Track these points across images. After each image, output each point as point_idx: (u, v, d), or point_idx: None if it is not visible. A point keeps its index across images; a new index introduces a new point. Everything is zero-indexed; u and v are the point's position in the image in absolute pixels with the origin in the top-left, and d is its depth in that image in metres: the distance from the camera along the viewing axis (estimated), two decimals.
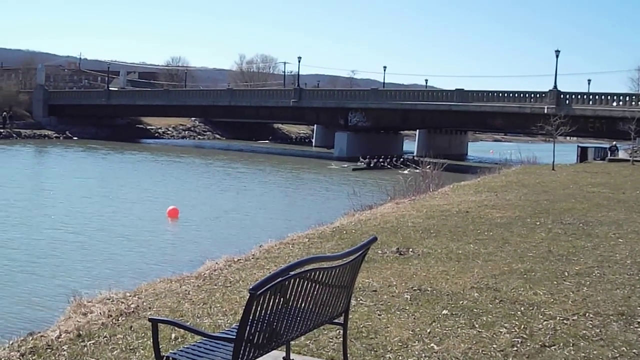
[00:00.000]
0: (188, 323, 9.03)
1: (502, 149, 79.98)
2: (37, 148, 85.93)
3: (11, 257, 24.60)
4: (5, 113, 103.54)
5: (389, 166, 65.73)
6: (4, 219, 32.94)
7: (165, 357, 5.92)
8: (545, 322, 9.27)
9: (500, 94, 73.81)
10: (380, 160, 71.71)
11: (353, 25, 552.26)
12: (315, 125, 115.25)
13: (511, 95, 73.15)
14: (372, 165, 70.65)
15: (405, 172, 47.36)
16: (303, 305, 6.09)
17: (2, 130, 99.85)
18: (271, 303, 5.56)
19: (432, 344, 8.29)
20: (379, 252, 13.87)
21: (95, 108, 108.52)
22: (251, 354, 5.66)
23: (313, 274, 6.00)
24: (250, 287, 5.33)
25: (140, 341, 8.73)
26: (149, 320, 6.19)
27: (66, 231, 30.36)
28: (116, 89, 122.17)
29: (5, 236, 28.70)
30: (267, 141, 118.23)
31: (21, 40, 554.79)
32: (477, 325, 9.03)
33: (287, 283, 5.69)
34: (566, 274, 12.14)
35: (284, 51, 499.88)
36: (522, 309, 9.89)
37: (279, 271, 5.59)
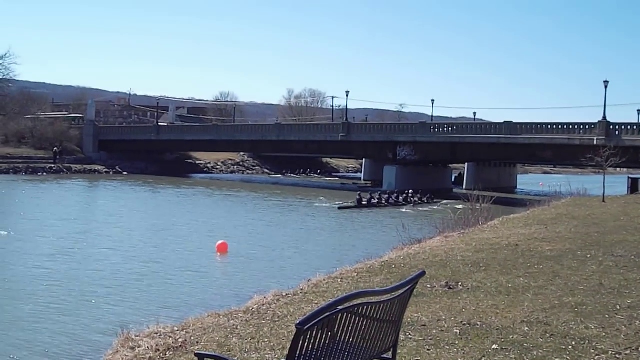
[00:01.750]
0: (235, 358, 9.02)
1: (551, 181, 79.38)
2: (89, 182, 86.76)
3: (61, 289, 24.80)
4: (56, 148, 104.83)
5: (386, 203, 63.71)
6: (57, 251, 33.25)
7: None
8: (597, 356, 9.11)
9: (549, 126, 73.18)
10: (378, 196, 65.28)
11: (401, 59, 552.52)
12: (364, 159, 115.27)
13: (560, 127, 72.47)
14: (365, 202, 62.52)
15: (404, 210, 47.41)
16: (351, 340, 6.03)
17: (53, 166, 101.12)
18: (319, 338, 5.52)
19: None
20: (428, 286, 13.78)
21: (145, 143, 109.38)
22: None
23: (361, 308, 5.94)
24: (298, 321, 5.30)
25: None
26: (195, 354, 6.18)
27: (116, 264, 30.58)
28: (165, 124, 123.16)
29: (56, 268, 28.96)
30: (317, 175, 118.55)
31: (72, 76, 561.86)
32: None
33: (334, 318, 5.64)
34: (618, 307, 11.92)
35: (332, 85, 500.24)
36: (574, 343, 9.71)
37: (326, 306, 5.55)
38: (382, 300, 6.28)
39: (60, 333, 18.97)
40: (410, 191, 68.94)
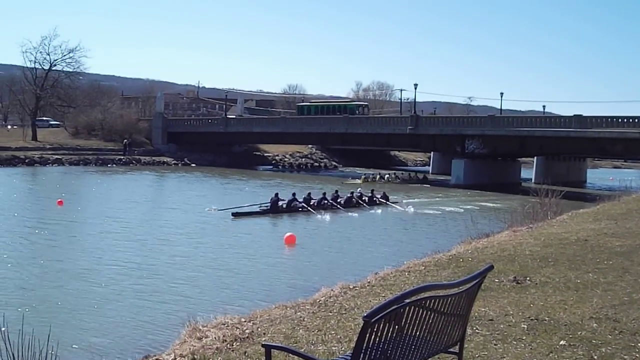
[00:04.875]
0: (302, 350, 9.05)
1: (622, 176, 78.43)
2: (159, 174, 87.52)
3: (131, 280, 25.13)
4: (125, 140, 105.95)
5: (303, 208, 48.80)
6: (128, 242, 33.72)
7: None
8: None
9: (620, 120, 72.08)
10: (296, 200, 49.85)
11: (470, 51, 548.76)
12: (432, 153, 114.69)
13: (631, 120, 71.38)
14: (284, 206, 48.56)
15: (319, 216, 45.40)
16: (418, 333, 6.04)
17: (122, 157, 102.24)
18: (385, 331, 5.54)
19: None
20: (496, 280, 13.69)
21: (213, 135, 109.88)
22: None
23: (428, 302, 5.95)
24: (365, 314, 5.32)
25: None
26: (262, 346, 6.23)
27: (184, 256, 30.86)
28: (234, 116, 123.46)
29: (126, 259, 29.33)
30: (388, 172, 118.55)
31: (141, 69, 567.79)
32: (595, 357, 8.79)
33: (402, 311, 5.66)
34: None
35: (400, 78, 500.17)
36: None
37: (393, 299, 5.56)
38: (449, 293, 6.28)
39: (128, 322, 19.28)
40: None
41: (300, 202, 49.37)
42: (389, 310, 5.41)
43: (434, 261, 17.51)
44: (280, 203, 48.21)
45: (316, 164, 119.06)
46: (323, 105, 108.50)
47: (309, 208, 48.91)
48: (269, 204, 47.82)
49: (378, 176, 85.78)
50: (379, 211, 50.39)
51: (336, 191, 54.77)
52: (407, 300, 5.68)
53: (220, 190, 60.38)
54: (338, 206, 51.66)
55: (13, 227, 37.86)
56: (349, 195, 54.49)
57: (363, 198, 55.30)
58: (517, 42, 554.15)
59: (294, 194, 50.23)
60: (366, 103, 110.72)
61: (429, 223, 46.51)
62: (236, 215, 44.38)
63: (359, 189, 59.57)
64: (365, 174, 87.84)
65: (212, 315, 12.92)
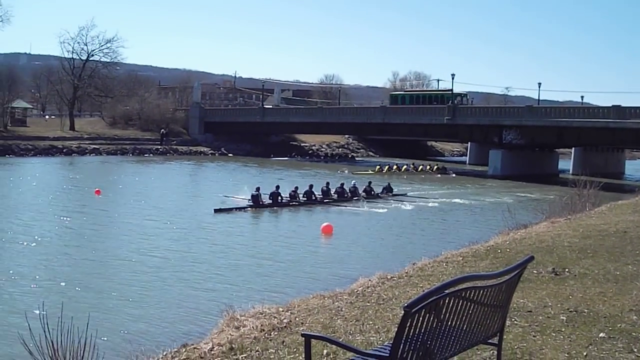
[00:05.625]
0: (340, 339, 9.05)
1: None
2: (198, 163, 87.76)
3: (169, 269, 25.29)
4: (163, 130, 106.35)
5: (289, 202, 46.41)
6: (166, 231, 33.97)
7: None
8: None
9: None
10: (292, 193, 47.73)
11: (507, 42, 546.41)
12: (469, 143, 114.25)
13: None
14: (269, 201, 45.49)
15: (306, 210, 43.79)
16: (457, 324, 6.04)
17: (159, 147, 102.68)
18: (425, 321, 5.54)
19: None
20: (534, 271, 13.61)
21: (250, 125, 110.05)
22: None
23: (468, 292, 5.94)
24: (405, 304, 5.31)
25: (291, 356, 8.80)
26: (302, 335, 6.24)
27: (223, 244, 31.01)
28: (270, 106, 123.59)
29: (164, 248, 29.53)
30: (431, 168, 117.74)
31: (178, 59, 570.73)
32: (635, 350, 8.71)
33: (441, 301, 5.65)
34: None
35: (437, 68, 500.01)
36: None
37: (433, 289, 5.55)
38: (489, 284, 6.26)
39: (167, 311, 19.41)
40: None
41: (285, 196, 46.26)
42: (428, 300, 5.41)
43: (472, 252, 17.46)
44: (263, 197, 44.89)
45: (353, 153, 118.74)
46: (418, 95, 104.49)
47: (294, 202, 46.66)
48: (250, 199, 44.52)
49: (395, 166, 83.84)
50: (379, 205, 47.91)
51: (327, 183, 51.08)
52: (447, 291, 5.67)
53: (258, 178, 60.35)
54: (327, 199, 49.03)
55: (52, 216, 38.12)
56: (338, 187, 50.85)
57: (358, 191, 51.77)
58: (556, 32, 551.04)
59: (277, 187, 46.62)
60: (465, 92, 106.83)
61: (466, 214, 46.34)
62: (218, 211, 41.36)
63: (354, 181, 54.87)
64: (379, 164, 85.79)
65: (250, 304, 12.97)
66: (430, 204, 49.69)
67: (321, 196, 49.03)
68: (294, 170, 77.48)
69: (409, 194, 54.43)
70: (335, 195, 49.88)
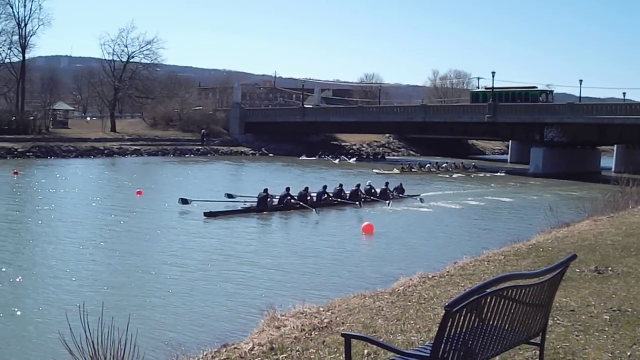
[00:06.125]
0: (381, 339, 9.01)
1: None
2: (239, 163, 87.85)
3: (211, 268, 25.38)
4: (203, 130, 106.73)
5: (298, 204, 43.15)
6: (208, 231, 34.14)
7: None
8: None
9: None
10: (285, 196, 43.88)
11: (548, 38, 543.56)
12: (510, 141, 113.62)
13: None
14: (270, 203, 42.98)
15: (315, 213, 41.48)
16: (499, 323, 6.00)
17: (200, 147, 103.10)
18: (466, 321, 5.50)
19: None
20: (577, 270, 13.47)
21: (290, 125, 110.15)
22: None
23: (510, 291, 5.89)
24: (446, 303, 5.26)
25: (332, 356, 8.76)
26: (342, 335, 6.21)
27: (265, 244, 31.16)
28: (311, 106, 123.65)
29: (207, 247, 29.69)
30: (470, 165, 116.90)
31: (218, 60, 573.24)
32: None
33: (483, 300, 5.60)
34: None
35: (477, 66, 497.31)
36: None
37: (475, 288, 5.51)
38: (531, 283, 6.20)
39: (208, 311, 19.50)
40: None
41: (295, 198, 43.47)
42: (470, 300, 5.37)
43: (514, 250, 17.36)
44: (269, 199, 42.57)
45: (387, 152, 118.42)
46: (501, 92, 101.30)
47: (304, 204, 43.19)
48: (256, 201, 42.09)
49: (418, 164, 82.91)
50: (392, 206, 46.33)
51: (340, 185, 48.42)
52: (489, 290, 5.63)
53: (299, 179, 60.28)
54: (339, 200, 46.40)
55: (94, 217, 38.47)
56: (354, 188, 48.43)
57: (373, 191, 49.56)
58: (596, 31, 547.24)
59: (287, 189, 43.81)
60: (551, 89, 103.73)
61: (508, 212, 46.14)
62: (209, 215, 38.55)
63: (369, 181, 52.58)
64: (402, 163, 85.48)
65: (290, 304, 12.95)
66: (472, 203, 49.42)
67: (332, 197, 46.70)
68: (324, 171, 77.13)
69: (422, 195, 51.75)
70: (348, 197, 47.33)
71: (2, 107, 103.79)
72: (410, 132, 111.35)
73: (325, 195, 46.30)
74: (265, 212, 41.27)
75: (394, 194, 50.88)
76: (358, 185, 49.24)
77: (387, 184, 51.48)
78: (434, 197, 51.39)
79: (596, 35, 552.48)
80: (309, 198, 44.62)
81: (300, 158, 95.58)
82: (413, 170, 79.84)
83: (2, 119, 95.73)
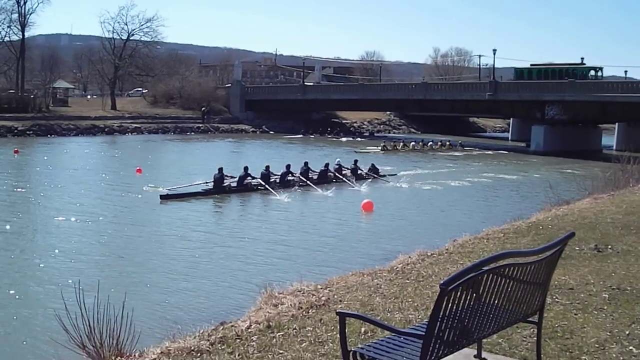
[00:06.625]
0: (378, 317, 8.98)
1: None
2: (240, 141, 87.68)
3: (209, 247, 25.38)
4: (204, 108, 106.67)
5: (260, 186, 40.97)
6: (207, 209, 34.19)
7: (352, 352, 5.84)
8: None
9: None
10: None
11: (548, 16, 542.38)
12: (511, 119, 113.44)
13: None
14: (228, 186, 40.32)
15: (278, 196, 38.69)
16: (496, 302, 5.99)
17: (201, 125, 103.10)
18: (463, 299, 5.47)
19: (630, 347, 7.91)
20: (577, 248, 13.42)
21: (291, 103, 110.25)
22: (440, 351, 5.59)
23: (507, 269, 5.85)
24: (441, 282, 5.20)
25: (329, 334, 8.72)
26: (337, 313, 6.16)
27: (261, 223, 31.05)
28: (311, 83, 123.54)
29: (206, 225, 29.70)
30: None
31: (219, 38, 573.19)
32: None
33: (479, 278, 5.57)
34: None
35: (478, 44, 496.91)
36: None
37: (471, 266, 5.48)
38: (529, 261, 6.14)
39: (205, 289, 19.50)
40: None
41: (255, 179, 40.98)
42: (466, 277, 5.33)
43: (513, 228, 17.30)
44: (226, 181, 39.84)
45: (395, 130, 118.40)
46: (547, 69, 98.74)
47: (266, 186, 40.37)
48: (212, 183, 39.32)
49: (402, 143, 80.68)
50: (366, 187, 43.52)
51: (305, 163, 45.14)
52: (485, 268, 5.58)
53: (300, 156, 60.05)
54: (307, 182, 43.08)
55: (93, 194, 38.45)
56: (323, 168, 45.88)
57: (343, 172, 46.76)
58: (598, 6, 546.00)
59: (245, 168, 41.03)
60: (600, 66, 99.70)
61: (508, 190, 46.11)
62: (165, 197, 36.56)
63: (338, 159, 48.81)
64: (384, 141, 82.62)
65: (288, 282, 12.89)
66: (475, 180, 49.31)
67: (298, 178, 43.57)
68: (339, 148, 76.94)
69: (400, 173, 50.32)
70: (316, 177, 44.78)
71: (2, 86, 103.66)
72: (411, 110, 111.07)
73: (291, 176, 43.46)
74: (218, 195, 38.77)
75: (368, 173, 48.58)
76: (327, 165, 46.72)
77: (355, 162, 49.24)
78: (429, 175, 51.09)
79: (598, 13, 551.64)
80: (272, 179, 41.87)
81: (299, 136, 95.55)
82: (397, 149, 78.42)
83: (2, 97, 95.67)
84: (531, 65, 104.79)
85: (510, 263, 5.95)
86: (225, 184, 39.66)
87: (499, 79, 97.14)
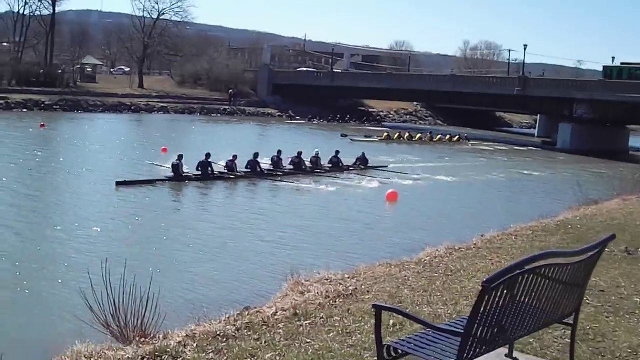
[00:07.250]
0: (407, 310, 8.86)
1: None
2: (268, 126, 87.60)
3: (237, 231, 25.35)
4: (231, 90, 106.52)
5: (223, 174, 38.69)
6: (234, 192, 34.11)
7: (386, 347, 5.75)
8: None
9: None
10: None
11: (579, 13, 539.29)
12: (538, 116, 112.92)
13: None
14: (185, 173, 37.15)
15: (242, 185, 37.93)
16: (533, 302, 5.87)
17: (227, 107, 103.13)
18: (502, 298, 5.37)
19: None
20: (607, 250, 13.14)
21: (318, 89, 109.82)
22: (477, 350, 5.49)
23: (548, 269, 5.75)
24: (484, 279, 5.10)
25: (357, 325, 8.62)
26: (373, 307, 6.04)
27: (292, 207, 31.07)
28: (339, 71, 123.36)
29: (233, 209, 29.68)
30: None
31: (249, 21, 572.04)
32: None
33: (519, 278, 5.45)
34: None
35: (508, 38, 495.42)
36: None
37: (514, 265, 5.39)
38: (569, 262, 6.02)
39: (232, 274, 19.50)
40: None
41: (215, 166, 38.44)
42: (509, 276, 5.23)
43: (542, 226, 17.18)
44: (185, 169, 37.04)
45: (421, 122, 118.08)
46: (638, 69, 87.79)
47: (230, 175, 38.51)
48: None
49: (407, 134, 77.34)
50: (342, 181, 41.17)
51: (279, 151, 42.32)
52: (527, 268, 5.45)
53: (326, 143, 59.85)
54: (277, 172, 40.86)
55: (119, 173, 38.33)
56: (295, 157, 42.80)
57: (320, 163, 44.21)
58: (629, 4, 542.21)
59: (207, 155, 38.14)
60: None
61: (535, 187, 45.86)
62: (120, 184, 33.64)
63: (317, 150, 45.37)
64: (388, 131, 78.88)
65: (315, 270, 12.80)
66: (500, 176, 49.13)
67: (269, 169, 41.20)
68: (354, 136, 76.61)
69: (390, 166, 48.23)
70: (292, 167, 42.29)
71: (32, 60, 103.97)
72: (439, 102, 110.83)
73: (258, 167, 40.30)
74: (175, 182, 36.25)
75: (356, 165, 46.12)
76: (299, 154, 43.37)
77: (337, 152, 45.80)
78: (455, 168, 50.88)
79: (628, 11, 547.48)
80: (238, 168, 39.32)
81: (324, 122, 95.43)
82: (402, 139, 74.89)
83: (31, 71, 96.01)
84: (622, 64, 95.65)
85: (550, 263, 5.83)
86: (181, 172, 36.66)
87: (528, 75, 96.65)
